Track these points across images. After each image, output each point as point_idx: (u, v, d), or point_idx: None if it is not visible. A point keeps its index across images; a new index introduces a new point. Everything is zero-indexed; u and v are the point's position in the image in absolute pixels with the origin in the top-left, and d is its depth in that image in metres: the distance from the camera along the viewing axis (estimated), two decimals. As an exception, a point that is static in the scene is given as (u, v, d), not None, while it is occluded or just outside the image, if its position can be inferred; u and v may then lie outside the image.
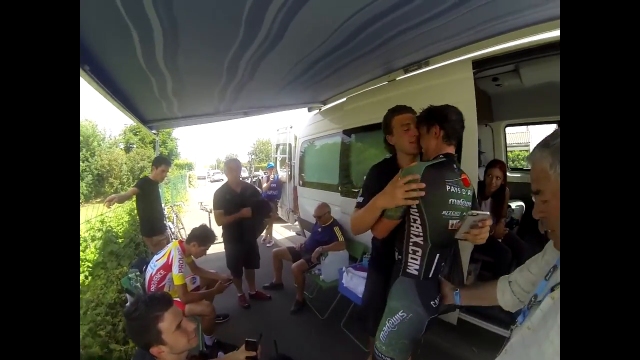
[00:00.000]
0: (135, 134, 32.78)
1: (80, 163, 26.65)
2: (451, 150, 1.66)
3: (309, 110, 5.24)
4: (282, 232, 7.63)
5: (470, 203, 1.63)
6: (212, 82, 2.72)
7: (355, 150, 4.05)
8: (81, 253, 4.58)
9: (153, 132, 4.84)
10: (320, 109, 5.03)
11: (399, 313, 1.55)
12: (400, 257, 1.63)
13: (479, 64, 2.55)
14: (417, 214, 1.53)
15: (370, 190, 1.77)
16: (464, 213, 1.52)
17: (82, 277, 4.24)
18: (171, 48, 1.94)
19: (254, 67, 2.47)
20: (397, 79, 3.28)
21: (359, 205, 1.79)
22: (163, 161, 4.09)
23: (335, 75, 3.11)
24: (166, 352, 1.40)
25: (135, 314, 1.38)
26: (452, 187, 1.53)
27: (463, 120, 1.71)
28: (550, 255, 1.07)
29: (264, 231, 6.44)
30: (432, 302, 1.57)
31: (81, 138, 27.47)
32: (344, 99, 4.22)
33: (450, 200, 1.52)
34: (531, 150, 0.82)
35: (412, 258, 1.58)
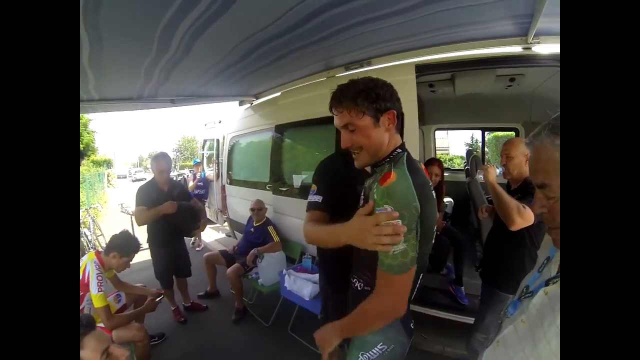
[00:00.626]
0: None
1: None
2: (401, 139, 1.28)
3: (240, 104, 4.97)
4: (211, 235, 7.10)
5: None
6: (139, 55, 2.32)
7: (288, 146, 3.94)
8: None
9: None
10: (252, 103, 4.79)
11: (378, 346, 1.23)
12: (368, 288, 1.23)
13: (420, 69, 2.66)
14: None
15: (329, 186, 1.51)
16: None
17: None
18: (93, 2, 1.57)
19: (190, 42, 2.16)
20: (337, 75, 3.22)
21: (315, 206, 1.47)
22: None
23: (273, 66, 2.94)
24: None
25: None
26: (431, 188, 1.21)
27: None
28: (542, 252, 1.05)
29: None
30: (410, 323, 1.33)
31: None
32: (279, 93, 4.06)
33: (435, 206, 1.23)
34: (532, 134, 0.77)
35: (363, 274, 1.27)
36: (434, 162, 3.42)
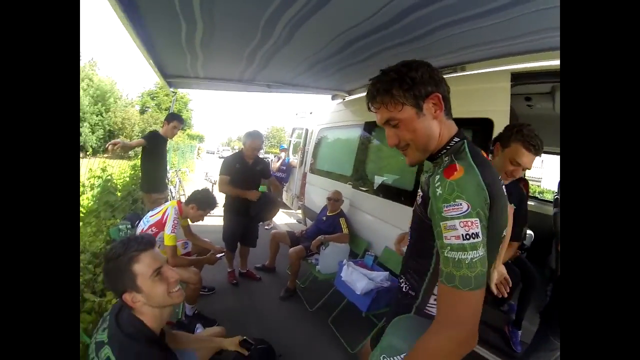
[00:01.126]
0: (152, 99, 33.04)
1: (94, 117, 26.83)
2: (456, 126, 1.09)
3: (333, 98, 5.11)
4: (282, 218, 7.47)
5: None
6: (244, 41, 2.57)
7: (374, 145, 3.95)
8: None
9: (171, 89, 4.71)
10: (344, 99, 4.90)
11: (401, 356, 1.05)
12: (412, 293, 1.13)
13: (516, 78, 2.44)
14: None
15: None
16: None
17: (72, 221, 4.13)
18: None
19: (291, 32, 2.32)
20: None
21: None
22: (176, 117, 3.94)
23: (366, 63, 2.98)
24: (141, 302, 1.22)
25: (110, 254, 1.24)
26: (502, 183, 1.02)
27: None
28: None
29: None
30: None
31: (98, 92, 27.66)
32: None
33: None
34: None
35: (436, 299, 1.07)
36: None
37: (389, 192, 3.48)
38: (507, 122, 2.32)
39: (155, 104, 33.07)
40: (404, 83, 0.98)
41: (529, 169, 1.72)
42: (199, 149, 31.37)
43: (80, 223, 4.22)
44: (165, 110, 31.34)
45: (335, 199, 3.88)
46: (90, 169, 4.95)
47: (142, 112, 32.73)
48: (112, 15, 2.03)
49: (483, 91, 2.60)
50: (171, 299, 1.28)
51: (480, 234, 0.84)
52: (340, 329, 2.94)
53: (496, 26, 1.94)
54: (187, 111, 32.56)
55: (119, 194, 5.03)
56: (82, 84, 28.12)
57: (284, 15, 2.07)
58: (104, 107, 28.00)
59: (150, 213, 2.79)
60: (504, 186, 1.02)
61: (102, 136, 27.32)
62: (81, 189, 4.69)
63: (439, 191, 0.90)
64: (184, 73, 3.87)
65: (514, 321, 2.93)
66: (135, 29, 2.33)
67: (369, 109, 1.10)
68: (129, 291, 1.21)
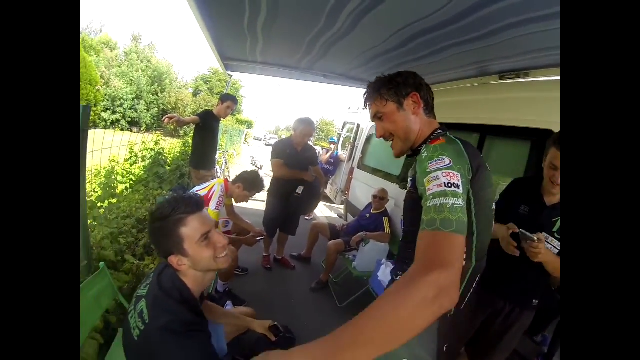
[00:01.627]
0: (205, 83, 34.19)
1: (150, 96, 28.19)
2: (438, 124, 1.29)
3: (388, 95, 5.01)
4: (323, 211, 7.50)
5: None
6: (307, 28, 2.56)
7: (429, 145, 3.84)
8: (129, 167, 4.74)
9: (228, 72, 4.82)
10: (398, 97, 4.79)
11: None
12: None
13: None
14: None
15: (500, 200, 1.86)
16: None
17: (122, 187, 4.37)
18: None
19: (354, 21, 2.28)
20: (490, 83, 3.02)
21: None
22: (230, 97, 4.04)
23: (426, 61, 2.89)
24: (187, 265, 1.21)
25: (157, 214, 1.21)
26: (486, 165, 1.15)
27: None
28: None
29: None
30: (445, 347, 1.27)
31: (155, 73, 29.05)
32: (427, 91, 3.97)
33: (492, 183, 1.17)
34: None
35: None
36: None
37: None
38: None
39: (208, 88, 34.26)
40: (389, 84, 1.24)
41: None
42: (246, 134, 32.17)
43: (129, 190, 4.45)
44: (217, 94, 32.39)
45: (381, 197, 3.83)
46: (143, 141, 5.20)
47: (195, 94, 33.96)
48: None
49: (545, 100, 2.44)
50: (217, 264, 1.25)
51: (461, 188, 0.91)
52: None
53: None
54: (238, 97, 33.51)
55: (167, 167, 5.26)
56: (141, 65, 29.62)
57: (350, 3, 2.02)
58: (159, 88, 29.36)
59: (197, 188, 2.88)
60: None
61: (156, 114, 28.65)
62: (134, 159, 4.93)
63: (424, 154, 1.03)
64: (242, 57, 3.93)
65: (545, 354, 2.65)
66: (199, 10, 2.39)
67: (364, 107, 1.35)
68: (175, 254, 1.20)
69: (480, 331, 1.92)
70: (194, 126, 4.13)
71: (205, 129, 4.00)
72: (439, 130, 1.22)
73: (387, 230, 3.66)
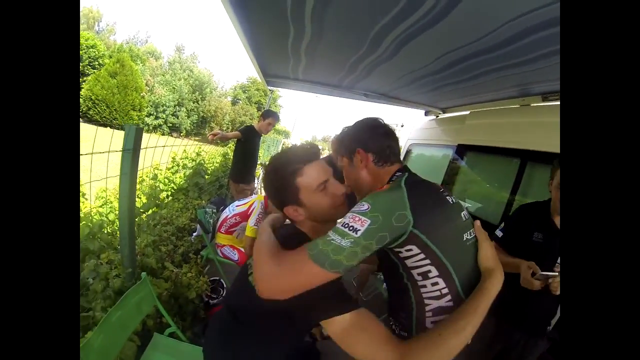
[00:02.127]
0: (244, 92, 35.10)
1: (191, 103, 29.31)
2: (399, 165, 1.27)
3: (426, 114, 4.97)
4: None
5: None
6: (350, 51, 2.60)
7: (466, 168, 3.78)
8: (171, 175, 4.93)
9: (270, 87, 4.95)
10: (437, 116, 4.75)
11: None
12: (404, 333, 1.10)
13: None
14: (427, 263, 1.00)
15: (509, 229, 1.91)
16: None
17: (164, 195, 4.56)
18: (322, 2, 1.83)
19: (397, 47, 2.30)
20: (532, 104, 2.92)
21: (495, 239, 1.82)
22: (272, 114, 4.15)
23: (468, 84, 2.86)
24: (304, 215, 1.18)
25: (272, 165, 1.20)
26: (449, 197, 1.13)
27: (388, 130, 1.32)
28: None
29: None
30: None
31: (197, 82, 30.24)
32: (467, 112, 3.90)
33: (461, 214, 1.13)
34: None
35: (427, 316, 1.06)
36: None
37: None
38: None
39: (246, 97, 35.12)
40: (344, 141, 1.35)
41: None
42: (283, 144, 32.65)
43: (170, 198, 4.62)
44: (255, 103, 33.20)
45: None
46: (184, 149, 5.40)
47: (234, 103, 34.95)
48: (218, 11, 2.16)
49: None
50: (337, 214, 1.18)
51: (360, 233, 0.91)
52: None
53: None
54: (275, 107, 34.18)
55: (207, 177, 5.43)
56: (184, 74, 30.90)
57: (394, 30, 2.05)
58: (200, 96, 30.50)
59: (237, 202, 2.97)
60: None
61: (195, 121, 29.78)
62: (175, 167, 5.13)
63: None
64: (284, 74, 4.03)
65: None
66: (243, 29, 2.46)
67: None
68: (291, 204, 1.18)
69: None
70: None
71: (247, 144, 4.12)
72: (397, 174, 1.22)
73: None
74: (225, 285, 3.19)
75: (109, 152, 2.00)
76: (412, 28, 1.96)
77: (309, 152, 1.19)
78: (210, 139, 3.77)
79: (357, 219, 0.93)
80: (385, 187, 1.09)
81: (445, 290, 1.01)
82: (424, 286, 1.02)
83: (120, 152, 1.91)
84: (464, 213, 1.14)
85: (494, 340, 1.88)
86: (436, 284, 1.01)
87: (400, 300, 1.10)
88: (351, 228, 0.91)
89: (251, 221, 2.71)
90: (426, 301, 1.03)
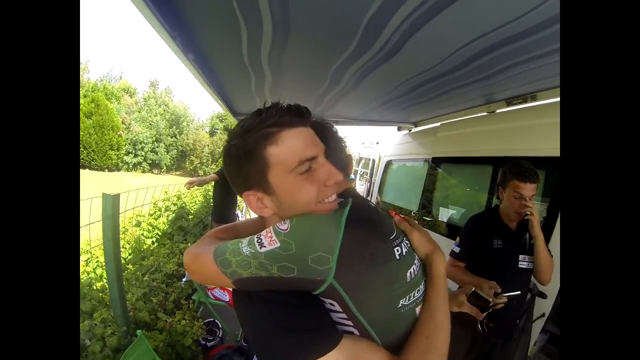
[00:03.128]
0: (220, 121, 35.16)
1: (169, 138, 29.20)
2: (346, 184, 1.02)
3: (399, 129, 5.05)
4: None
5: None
6: (313, 87, 2.67)
7: (441, 179, 3.86)
8: (153, 220, 4.88)
9: (242, 123, 4.98)
10: (410, 130, 4.84)
11: None
12: None
13: None
14: (350, 325, 0.79)
15: (467, 241, 1.93)
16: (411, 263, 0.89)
17: (149, 242, 4.50)
18: (278, 47, 1.87)
19: (359, 79, 2.37)
20: (498, 111, 3.01)
21: (453, 255, 1.89)
22: None
23: (435, 100, 2.93)
24: (270, 209, 0.82)
25: (237, 128, 0.84)
26: (398, 248, 0.88)
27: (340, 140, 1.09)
28: None
29: None
30: None
31: (173, 116, 30.23)
32: (438, 124, 4.00)
33: (407, 273, 0.86)
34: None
35: None
36: None
37: (452, 230, 3.37)
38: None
39: (224, 126, 35.11)
40: None
41: (532, 198, 1.80)
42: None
43: (155, 244, 4.57)
44: (233, 131, 33.35)
45: None
46: (165, 191, 5.35)
47: (212, 134, 34.88)
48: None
49: (556, 125, 2.35)
50: (326, 206, 0.80)
51: (264, 250, 0.72)
52: None
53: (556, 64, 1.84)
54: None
55: (191, 218, 5.39)
56: (159, 109, 30.87)
57: (352, 66, 2.11)
58: (177, 130, 30.41)
59: None
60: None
61: (175, 155, 29.60)
62: (158, 213, 5.08)
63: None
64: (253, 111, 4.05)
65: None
66: (206, 78, 2.49)
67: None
68: (254, 189, 0.81)
69: None
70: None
71: (225, 185, 4.11)
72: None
73: None
74: (220, 326, 3.15)
75: (91, 199, 2.06)
76: (369, 63, 2.03)
77: (292, 113, 0.80)
78: (187, 187, 3.76)
79: (269, 235, 0.74)
80: (323, 210, 0.79)
81: None
82: None
83: (101, 218, 1.93)
84: (411, 271, 0.86)
85: (470, 351, 1.96)
86: None
87: None
88: (259, 241, 0.74)
89: None
90: None
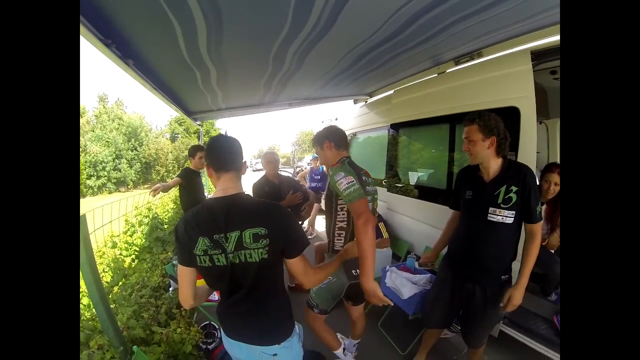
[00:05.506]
0: (180, 124, 34.19)
1: (130, 152, 28.20)
2: (346, 153, 2.12)
3: (355, 102, 5.12)
4: (323, 225, 7.52)
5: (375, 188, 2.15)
6: (257, 73, 2.66)
7: (403, 144, 3.92)
8: (129, 238, 4.79)
9: (197, 123, 4.90)
10: (366, 101, 4.89)
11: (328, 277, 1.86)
12: (328, 238, 2.11)
13: (538, 56, 2.31)
14: (344, 205, 1.93)
15: (453, 193, 2.22)
16: (375, 196, 2.12)
17: (129, 260, 4.42)
18: (215, 40, 1.88)
19: (300, 59, 2.39)
20: (447, 71, 3.10)
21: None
22: (198, 149, 4.07)
23: (383, 68, 2.99)
24: None
25: None
26: (364, 177, 2.04)
27: (343, 132, 2.15)
28: None
29: (306, 222, 6.34)
30: (352, 271, 1.99)
31: (129, 129, 29.11)
32: (392, 91, 4.06)
33: (366, 188, 1.93)
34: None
35: (337, 239, 2.03)
36: (552, 168, 2.64)
37: (422, 192, 3.46)
38: (534, 109, 2.23)
39: (184, 129, 34.24)
40: (319, 136, 2.14)
41: (468, 138, 1.88)
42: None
43: (136, 260, 4.50)
44: (194, 133, 32.40)
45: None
46: (136, 206, 5.24)
47: (173, 139, 33.98)
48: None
49: (504, 77, 2.48)
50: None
51: (355, 181, 1.68)
52: (389, 331, 3.02)
53: (513, 9, 1.86)
54: (215, 130, 33.54)
55: (165, 227, 5.31)
56: (114, 124, 29.64)
57: (290, 47, 2.14)
58: (137, 142, 29.37)
59: None
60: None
61: (139, 169, 28.67)
62: (131, 229, 4.98)
63: (331, 172, 1.82)
64: (206, 108, 4.04)
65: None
66: (150, 81, 2.46)
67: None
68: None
69: (463, 312, 2.15)
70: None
71: (189, 186, 4.04)
72: (341, 159, 2.03)
73: (385, 235, 3.69)
74: (217, 327, 3.16)
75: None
76: (307, 40, 2.05)
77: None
78: (152, 195, 3.69)
79: (347, 178, 1.70)
80: (337, 164, 1.98)
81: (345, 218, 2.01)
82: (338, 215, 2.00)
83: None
84: (368, 188, 2.02)
85: (455, 291, 2.08)
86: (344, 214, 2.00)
87: (328, 221, 2.09)
88: (352, 183, 1.68)
89: None
90: (337, 222, 2.02)
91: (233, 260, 1.23)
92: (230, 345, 1.43)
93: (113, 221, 4.31)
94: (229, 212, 1.23)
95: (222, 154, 1.35)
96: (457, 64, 2.93)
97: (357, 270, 1.81)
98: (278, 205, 1.35)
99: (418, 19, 1.88)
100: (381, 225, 3.74)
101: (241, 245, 1.21)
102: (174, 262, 3.38)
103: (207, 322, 3.17)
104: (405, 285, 2.72)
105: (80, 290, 3.33)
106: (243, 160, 1.41)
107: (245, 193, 1.35)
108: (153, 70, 2.36)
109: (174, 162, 30.06)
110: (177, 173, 4.22)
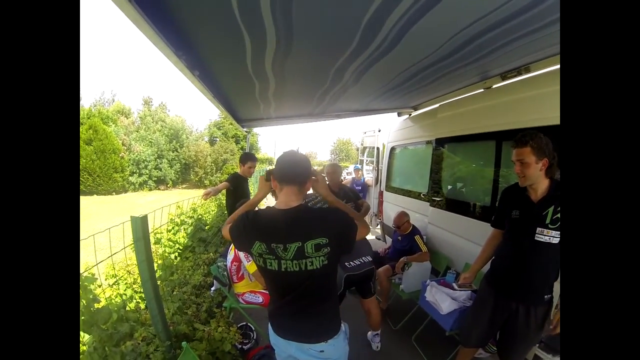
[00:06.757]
0: (218, 129, 35.08)
1: (171, 153, 29.25)
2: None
3: (399, 115, 5.12)
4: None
5: None
6: (314, 87, 2.75)
7: (447, 159, 3.89)
8: (172, 236, 4.98)
9: (245, 130, 5.06)
10: (410, 114, 4.89)
11: None
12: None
13: None
14: None
15: (497, 212, 2.14)
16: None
17: (172, 256, 4.59)
18: (282, 53, 1.96)
19: (359, 75, 2.45)
20: (494, 86, 3.06)
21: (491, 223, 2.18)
22: (249, 158, 4.22)
23: (434, 84, 3.01)
24: None
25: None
26: None
27: None
28: None
29: None
30: (346, 264, 2.17)
31: (172, 131, 30.19)
32: (436, 105, 4.05)
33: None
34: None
35: None
36: None
37: (465, 208, 3.43)
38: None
39: (222, 133, 35.11)
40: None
41: (522, 162, 1.83)
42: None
43: (179, 258, 4.67)
44: (232, 137, 33.18)
45: (400, 225, 3.82)
46: (178, 206, 5.45)
47: (212, 143, 34.88)
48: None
49: (550, 95, 2.37)
50: None
51: None
52: (423, 346, 2.98)
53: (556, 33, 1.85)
54: (252, 136, 34.24)
55: (207, 228, 5.49)
56: (157, 126, 30.89)
57: (351, 65, 2.20)
58: (178, 144, 30.42)
59: (228, 249, 3.07)
60: None
61: (179, 169, 29.64)
62: (176, 228, 5.18)
63: None
64: (256, 116, 4.17)
65: None
66: (211, 90, 2.57)
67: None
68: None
69: (502, 332, 2.11)
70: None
71: (236, 191, 4.17)
72: None
73: (424, 248, 3.64)
74: (253, 328, 3.23)
75: (109, 229, 2.13)
76: (368, 59, 2.11)
77: None
78: (204, 199, 3.85)
79: None
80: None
81: None
82: None
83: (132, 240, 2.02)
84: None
85: (497, 312, 2.05)
86: None
87: None
88: None
89: (244, 261, 2.82)
90: None
91: (289, 267, 1.31)
92: (278, 341, 1.51)
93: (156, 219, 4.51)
94: (290, 225, 1.31)
95: (287, 168, 1.40)
96: (503, 79, 2.88)
97: (351, 263, 2.20)
98: (333, 211, 1.46)
99: (476, 39, 1.89)
100: (417, 238, 3.72)
101: (302, 254, 1.29)
102: (218, 263, 3.49)
103: (244, 323, 3.25)
104: (445, 300, 2.69)
105: (125, 282, 3.50)
106: (312, 177, 1.48)
107: (307, 204, 1.43)
108: (215, 80, 2.48)
109: (212, 164, 30.82)
110: (226, 178, 4.37)
